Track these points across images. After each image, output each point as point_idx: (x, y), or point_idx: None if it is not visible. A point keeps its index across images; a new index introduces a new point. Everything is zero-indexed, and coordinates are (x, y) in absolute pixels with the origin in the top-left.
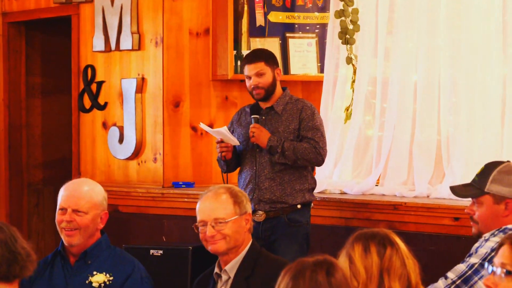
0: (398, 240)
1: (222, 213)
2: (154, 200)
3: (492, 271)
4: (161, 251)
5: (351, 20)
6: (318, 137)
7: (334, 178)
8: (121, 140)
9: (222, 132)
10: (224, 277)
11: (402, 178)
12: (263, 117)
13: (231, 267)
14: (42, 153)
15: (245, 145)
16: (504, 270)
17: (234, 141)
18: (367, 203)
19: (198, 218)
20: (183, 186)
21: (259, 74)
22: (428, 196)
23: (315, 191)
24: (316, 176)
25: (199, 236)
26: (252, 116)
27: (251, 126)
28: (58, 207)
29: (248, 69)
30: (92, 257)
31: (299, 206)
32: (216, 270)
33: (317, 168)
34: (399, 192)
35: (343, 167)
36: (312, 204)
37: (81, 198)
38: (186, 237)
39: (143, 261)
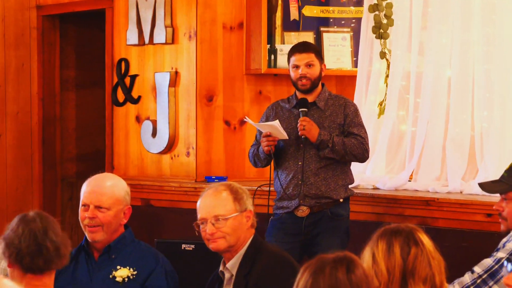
0: (424, 238)
1: (222, 210)
2: (187, 194)
3: None
4: (193, 246)
5: (385, 15)
6: (363, 134)
7: (367, 173)
8: (154, 134)
9: (275, 126)
10: (227, 275)
11: (435, 174)
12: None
13: (233, 264)
14: (76, 146)
15: (288, 139)
16: None
17: (284, 135)
18: (400, 198)
19: (198, 216)
20: (216, 180)
21: (308, 65)
22: (461, 192)
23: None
24: None
25: (202, 235)
26: (301, 110)
27: (300, 119)
28: (80, 203)
29: (298, 58)
30: (116, 252)
31: (341, 200)
32: (221, 268)
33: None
34: (432, 187)
35: (376, 162)
36: None
37: (104, 194)
38: None
39: (175, 255)
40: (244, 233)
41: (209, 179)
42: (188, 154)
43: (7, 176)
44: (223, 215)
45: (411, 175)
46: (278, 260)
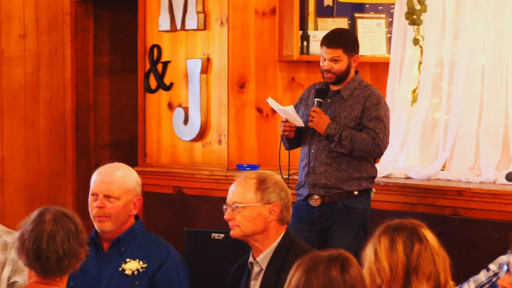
0: (428, 234)
1: (240, 198)
2: (218, 182)
3: (508, 270)
4: (222, 235)
5: (418, 0)
6: (379, 129)
7: (400, 162)
8: (186, 121)
9: (288, 111)
10: (256, 268)
11: (469, 163)
12: (328, 100)
13: (263, 258)
14: (110, 133)
15: (306, 125)
16: None
17: (299, 121)
18: (431, 188)
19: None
20: (247, 168)
21: (334, 60)
22: (494, 182)
23: (381, 175)
24: (382, 160)
25: None
26: (316, 99)
27: (311, 109)
28: (90, 193)
29: (325, 52)
30: (125, 244)
31: (356, 192)
32: (250, 259)
33: None
34: (465, 177)
35: (409, 151)
36: (373, 190)
37: (113, 183)
38: None
39: (205, 244)
40: (263, 226)
41: (240, 167)
42: (220, 141)
43: (40, 163)
44: (240, 202)
45: (444, 164)
46: None
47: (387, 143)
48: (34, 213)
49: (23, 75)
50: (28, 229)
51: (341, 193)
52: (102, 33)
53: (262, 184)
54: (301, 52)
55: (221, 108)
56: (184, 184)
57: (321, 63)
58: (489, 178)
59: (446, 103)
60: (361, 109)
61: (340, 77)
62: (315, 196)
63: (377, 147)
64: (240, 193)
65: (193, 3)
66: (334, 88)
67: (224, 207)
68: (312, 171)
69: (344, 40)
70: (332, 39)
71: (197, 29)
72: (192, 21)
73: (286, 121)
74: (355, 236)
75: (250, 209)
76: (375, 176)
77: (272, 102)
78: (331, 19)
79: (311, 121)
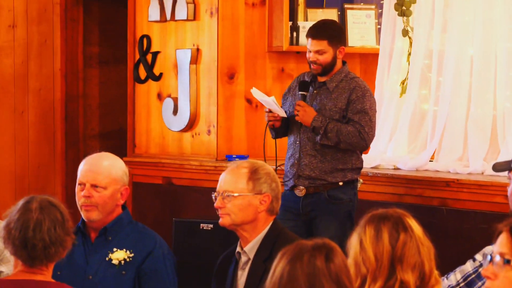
0: (413, 224)
1: (231, 186)
2: (207, 173)
3: (491, 260)
4: (211, 225)
5: None
6: (364, 121)
7: (388, 153)
8: (175, 111)
9: (269, 102)
10: (243, 258)
11: (457, 154)
12: (315, 91)
13: (250, 248)
14: (99, 124)
15: (293, 116)
16: (503, 259)
17: (281, 112)
18: (419, 179)
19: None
20: (236, 159)
21: (319, 52)
22: (482, 173)
23: (369, 165)
24: (370, 151)
25: None
26: (300, 93)
27: (296, 102)
28: (77, 182)
29: (310, 43)
30: (112, 233)
31: (340, 183)
32: (238, 249)
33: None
34: (453, 168)
35: (398, 142)
36: (360, 181)
37: (100, 173)
38: None
39: (193, 234)
40: (253, 216)
41: (230, 158)
42: (209, 132)
43: (29, 153)
44: (231, 191)
45: (433, 155)
46: None
47: (373, 135)
48: (20, 202)
49: (13, 65)
50: (14, 218)
51: (326, 184)
52: (92, 23)
53: (254, 174)
54: (291, 43)
55: (210, 99)
56: (173, 175)
57: (307, 55)
58: (477, 169)
59: (435, 94)
60: (346, 101)
61: (326, 69)
62: (300, 186)
63: (363, 140)
64: (231, 181)
65: None
66: (321, 79)
67: (214, 194)
68: (297, 162)
69: (329, 32)
70: (317, 31)
71: (187, 20)
72: (182, 12)
73: (270, 111)
74: (340, 227)
75: (241, 198)
76: (361, 168)
77: (255, 92)
78: (321, 10)
79: (297, 115)
